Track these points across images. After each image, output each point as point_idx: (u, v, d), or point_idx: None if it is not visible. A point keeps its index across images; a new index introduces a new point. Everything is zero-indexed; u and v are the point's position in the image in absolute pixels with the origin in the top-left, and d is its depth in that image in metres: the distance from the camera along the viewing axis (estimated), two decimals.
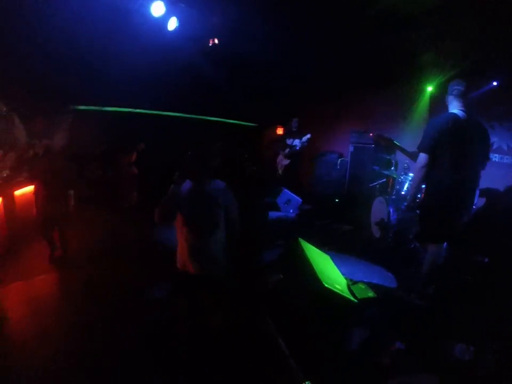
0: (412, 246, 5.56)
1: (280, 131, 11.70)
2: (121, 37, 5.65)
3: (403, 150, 4.32)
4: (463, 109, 3.72)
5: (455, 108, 3.76)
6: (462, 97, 3.76)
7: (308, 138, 7.91)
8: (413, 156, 4.00)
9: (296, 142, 8.08)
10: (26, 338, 3.53)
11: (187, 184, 3.09)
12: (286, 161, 8.23)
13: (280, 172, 8.40)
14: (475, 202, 4.27)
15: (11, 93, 7.72)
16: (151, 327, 3.66)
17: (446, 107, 3.96)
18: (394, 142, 4.37)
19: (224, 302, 3.20)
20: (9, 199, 6.23)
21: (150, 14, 5.03)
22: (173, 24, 5.40)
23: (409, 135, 6.64)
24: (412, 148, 4.26)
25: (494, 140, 6.01)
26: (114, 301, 4.28)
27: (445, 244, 4.13)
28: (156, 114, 10.52)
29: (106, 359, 3.20)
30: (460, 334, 3.16)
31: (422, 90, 7.13)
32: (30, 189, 6.99)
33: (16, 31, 5.36)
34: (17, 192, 6.55)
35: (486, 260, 4.50)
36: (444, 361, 2.91)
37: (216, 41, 6.15)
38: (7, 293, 4.44)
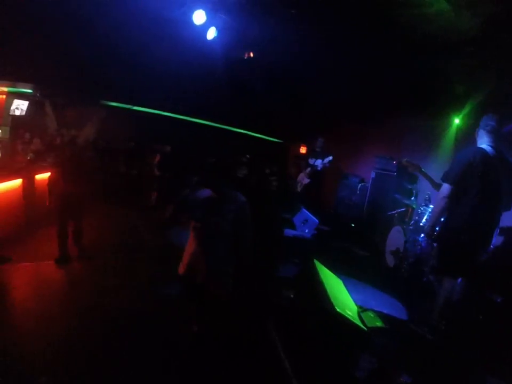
0: (426, 279, 5.45)
1: (303, 150, 11.79)
2: (162, 42, 5.83)
3: (430, 179, 4.26)
4: (492, 144, 3.64)
5: (484, 142, 3.68)
6: (493, 133, 3.69)
7: (330, 160, 7.92)
8: (439, 187, 3.95)
9: (318, 162, 8.10)
10: (27, 317, 3.61)
11: (206, 192, 3.07)
12: (307, 180, 8.24)
13: (299, 189, 8.40)
14: (493, 241, 4.17)
15: (47, 80, 7.95)
16: (153, 324, 3.70)
17: (473, 140, 3.89)
18: (423, 169, 4.32)
19: (223, 313, 3.17)
20: (30, 182, 6.40)
21: (191, 22, 5.15)
22: (211, 33, 5.52)
23: (434, 166, 6.56)
24: (436, 178, 4.21)
25: None
26: (120, 294, 4.34)
27: (459, 279, 4.04)
28: (185, 119, 10.74)
29: (102, 346, 3.28)
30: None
31: (449, 122, 7.06)
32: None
33: (64, 26, 5.58)
34: (38, 176, 6.71)
35: (499, 299, 4.39)
36: None
37: (251, 54, 6.24)
38: (14, 272, 4.58)
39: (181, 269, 3.09)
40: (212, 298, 3.01)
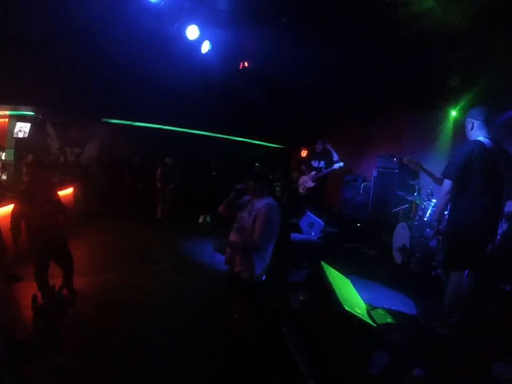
0: (434, 273, 5.49)
1: (304, 153, 11.86)
2: (159, 58, 5.96)
3: (432, 175, 4.30)
4: (488, 136, 3.68)
5: (480, 134, 3.72)
6: (487, 124, 3.74)
7: (341, 166, 7.88)
8: (441, 182, 4.00)
9: (322, 164, 8.11)
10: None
11: (247, 197, 3.72)
12: (311, 184, 8.17)
13: (301, 192, 8.39)
14: (499, 231, 4.20)
15: (46, 100, 8.08)
16: (168, 338, 3.73)
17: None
18: (424, 167, 4.37)
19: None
20: None
21: (185, 37, 5.25)
22: (206, 47, 5.62)
23: (434, 160, 6.61)
24: (437, 173, 4.26)
25: None
26: (131, 307, 4.40)
27: (466, 271, 4.07)
28: (186, 132, 10.89)
29: (119, 362, 3.31)
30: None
31: (446, 116, 7.11)
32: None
33: (60, 45, 5.69)
34: None
35: (508, 288, 4.42)
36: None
37: (246, 64, 6.33)
38: (27, 290, 4.55)
39: (228, 260, 3.60)
40: (239, 279, 3.48)
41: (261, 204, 3.45)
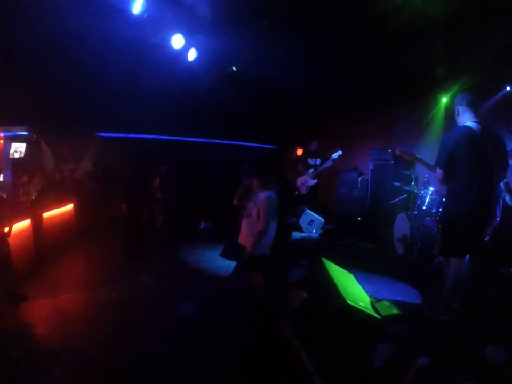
0: (436, 261, 5.50)
1: (299, 152, 11.86)
2: (144, 68, 5.98)
3: (427, 165, 4.30)
4: (475, 120, 3.69)
5: (467, 119, 3.74)
6: (472, 107, 3.76)
7: (339, 155, 7.92)
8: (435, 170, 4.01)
9: (318, 161, 8.17)
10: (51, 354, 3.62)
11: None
12: (313, 181, 8.18)
13: (305, 191, 8.38)
14: (498, 214, 4.19)
15: (39, 119, 8.12)
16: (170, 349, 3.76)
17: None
18: (417, 156, 4.37)
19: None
20: (38, 220, 6.51)
21: (170, 46, 5.26)
22: (192, 54, 5.62)
23: (428, 148, 6.63)
24: (431, 160, 4.28)
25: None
26: (138, 320, 4.41)
27: (467, 257, 4.07)
28: (179, 140, 10.89)
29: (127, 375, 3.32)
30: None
31: (437, 103, 7.13)
32: (57, 211, 7.37)
33: (48, 62, 5.71)
34: (46, 214, 6.86)
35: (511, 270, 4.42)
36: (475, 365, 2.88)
37: (233, 68, 6.36)
38: (33, 310, 4.59)
39: (240, 239, 4.46)
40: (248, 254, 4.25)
41: (262, 196, 4.30)
